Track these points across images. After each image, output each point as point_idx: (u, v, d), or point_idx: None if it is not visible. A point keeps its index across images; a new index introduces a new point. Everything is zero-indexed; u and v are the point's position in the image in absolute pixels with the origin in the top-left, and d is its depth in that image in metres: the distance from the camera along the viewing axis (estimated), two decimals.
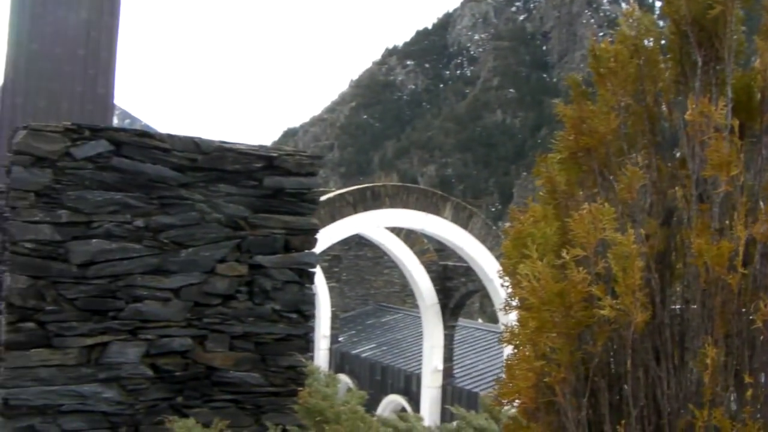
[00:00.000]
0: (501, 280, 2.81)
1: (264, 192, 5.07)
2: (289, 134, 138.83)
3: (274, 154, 5.09)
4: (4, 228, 4.90)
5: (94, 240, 4.70)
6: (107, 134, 4.73)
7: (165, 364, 4.91)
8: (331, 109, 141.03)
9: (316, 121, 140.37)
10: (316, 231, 5.24)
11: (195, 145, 4.91)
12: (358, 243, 31.30)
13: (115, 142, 4.74)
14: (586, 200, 2.87)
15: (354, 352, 29.28)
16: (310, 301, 5.27)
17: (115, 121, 40.12)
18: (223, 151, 4.96)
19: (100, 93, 33.91)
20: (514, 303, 2.73)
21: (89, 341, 4.76)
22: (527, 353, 2.60)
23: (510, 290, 2.74)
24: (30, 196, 4.63)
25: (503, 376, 2.74)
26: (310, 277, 5.25)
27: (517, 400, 2.72)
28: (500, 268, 2.87)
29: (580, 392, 2.73)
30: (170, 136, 4.88)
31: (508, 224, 2.86)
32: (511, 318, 2.80)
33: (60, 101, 33.46)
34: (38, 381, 4.65)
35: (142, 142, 4.79)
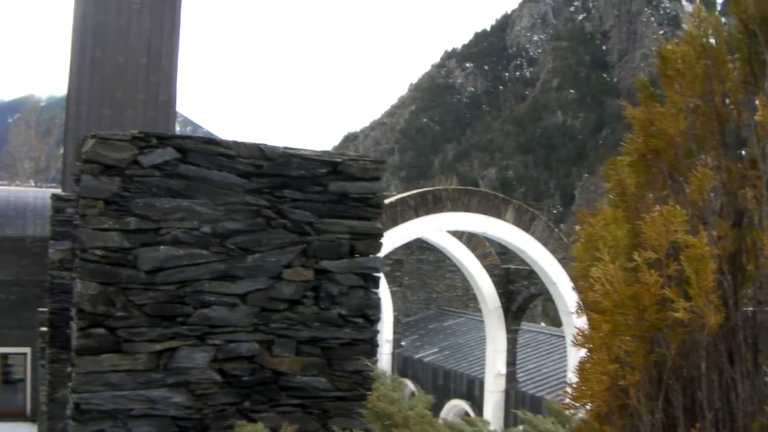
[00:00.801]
0: (571, 283, 2.79)
1: (329, 197, 5.09)
2: (350, 138, 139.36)
3: (339, 160, 5.11)
4: (74, 235, 4.98)
5: (162, 246, 4.76)
6: (174, 142, 4.79)
7: (232, 368, 4.95)
8: (391, 113, 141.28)
9: (376, 125, 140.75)
10: (381, 235, 5.25)
11: (260, 151, 4.94)
12: (419, 247, 31.32)
13: (181, 150, 4.80)
14: (657, 203, 2.84)
15: (417, 356, 29.28)
16: (375, 305, 5.28)
17: (177, 128, 40.65)
18: (288, 157, 4.99)
19: (163, 100, 34.40)
20: (584, 306, 2.71)
21: (158, 347, 4.81)
22: (601, 356, 2.57)
23: (581, 293, 2.72)
24: (99, 204, 4.70)
25: (568, 379, 2.72)
26: (376, 281, 5.26)
27: (589, 404, 2.70)
28: (569, 271, 2.85)
29: (653, 395, 2.70)
30: (235, 143, 4.92)
31: (578, 227, 2.84)
32: (579, 321, 2.78)
33: (123, 109, 34.03)
34: (108, 386, 4.72)
35: (208, 150, 4.84)
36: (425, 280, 34.87)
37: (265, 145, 4.98)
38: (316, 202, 5.06)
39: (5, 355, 36.22)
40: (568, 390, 2.72)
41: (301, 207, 5.03)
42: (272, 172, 4.96)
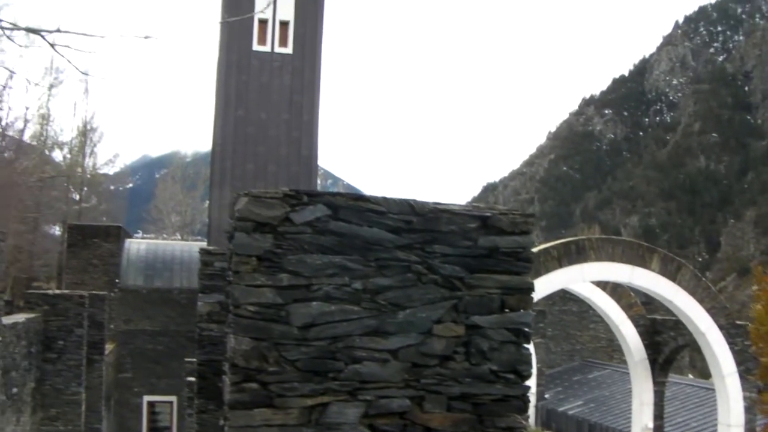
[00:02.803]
0: (752, 345, 2.66)
1: (479, 252, 5.05)
2: (489, 189, 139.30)
3: (488, 214, 5.07)
4: (228, 291, 5.07)
5: (314, 302, 4.79)
6: (324, 199, 4.84)
7: (383, 424, 4.92)
8: (530, 163, 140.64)
9: (515, 175, 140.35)
10: (531, 290, 5.17)
11: (410, 207, 4.95)
12: (562, 297, 30.91)
13: (332, 207, 4.85)
14: None
15: (560, 409, 28.76)
16: (527, 361, 5.19)
17: (318, 181, 41.37)
18: (437, 213, 4.98)
19: (304, 155, 35.10)
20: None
21: (310, 402, 4.83)
22: None
23: (765, 357, 2.59)
24: (252, 261, 4.78)
25: None
26: (527, 336, 5.17)
27: None
28: (718, 321, 2.71)
29: None
30: (385, 199, 4.94)
31: (755, 287, 2.71)
32: (734, 381, 2.64)
33: (266, 164, 34.87)
34: None
35: (358, 206, 4.87)
36: (568, 331, 34.34)
37: (415, 200, 4.99)
38: (466, 256, 5.02)
39: (153, 404, 37.30)
40: None
41: (451, 262, 5.00)
42: (422, 228, 4.95)
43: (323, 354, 4.83)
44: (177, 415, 35.96)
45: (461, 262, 5.02)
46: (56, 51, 4.98)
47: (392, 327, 4.89)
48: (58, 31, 4.70)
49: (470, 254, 5.04)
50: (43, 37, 4.84)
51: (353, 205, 4.87)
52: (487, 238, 5.07)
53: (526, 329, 5.17)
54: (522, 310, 5.14)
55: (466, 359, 5.03)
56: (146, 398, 37.09)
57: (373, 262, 4.88)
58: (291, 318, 4.78)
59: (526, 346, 5.17)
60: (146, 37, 5.12)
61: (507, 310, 5.11)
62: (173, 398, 35.87)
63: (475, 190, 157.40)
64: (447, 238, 5.00)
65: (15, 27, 5.06)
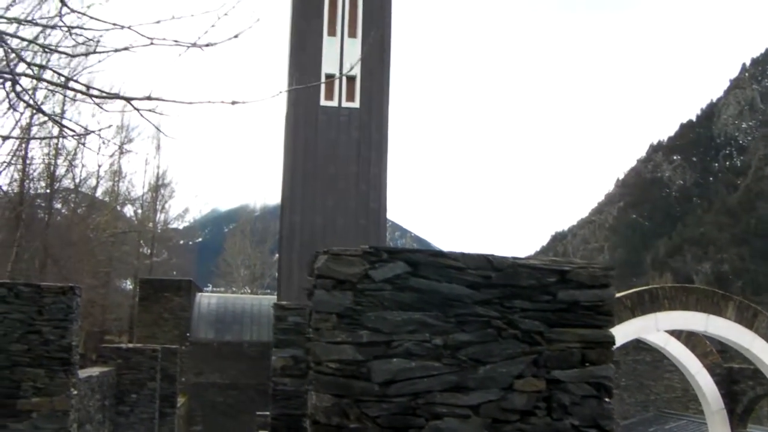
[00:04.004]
0: None
1: (558, 306, 5.03)
2: (558, 238, 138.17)
3: (567, 268, 5.06)
4: (308, 348, 5.12)
5: (394, 359, 4.81)
6: (404, 256, 4.88)
7: None
8: (599, 211, 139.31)
9: (584, 224, 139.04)
10: (612, 343, 5.13)
11: (488, 262, 4.96)
12: (635, 347, 30.46)
13: (411, 263, 4.88)
14: None
15: None
16: (608, 415, 5.12)
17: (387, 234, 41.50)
18: (516, 267, 4.98)
19: (373, 208, 35.23)
20: None
21: None
22: None
23: None
24: (332, 318, 4.82)
25: None
26: (609, 390, 5.11)
27: None
28: None
29: None
30: (463, 255, 4.96)
31: None
32: None
33: (335, 217, 35.08)
34: None
35: (437, 262, 4.90)
36: (642, 381, 33.75)
37: (493, 255, 5.00)
38: (545, 311, 5.01)
39: None
40: None
41: (530, 317, 4.99)
42: (501, 283, 4.96)
43: (404, 410, 4.83)
44: None
45: (541, 317, 5.01)
46: (143, 116, 5.14)
47: (473, 382, 4.89)
48: (149, 98, 4.84)
49: (550, 308, 5.02)
50: (132, 104, 4.99)
51: (432, 261, 4.90)
52: (567, 292, 5.05)
53: (608, 383, 5.12)
54: (603, 364, 5.10)
55: (547, 414, 4.99)
56: None
57: (453, 317, 4.89)
58: (372, 374, 4.81)
59: (607, 400, 5.12)
60: (233, 103, 5.22)
61: (588, 364, 5.07)
62: None
63: (544, 240, 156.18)
64: (526, 292, 5.00)
65: (109, 95, 5.23)
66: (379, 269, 4.85)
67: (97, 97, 5.50)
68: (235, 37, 5.22)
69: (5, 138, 24.34)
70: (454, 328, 4.89)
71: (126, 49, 5.08)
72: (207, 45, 5.18)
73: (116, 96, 5.11)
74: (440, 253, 4.94)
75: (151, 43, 5.03)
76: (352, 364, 4.81)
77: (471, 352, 4.90)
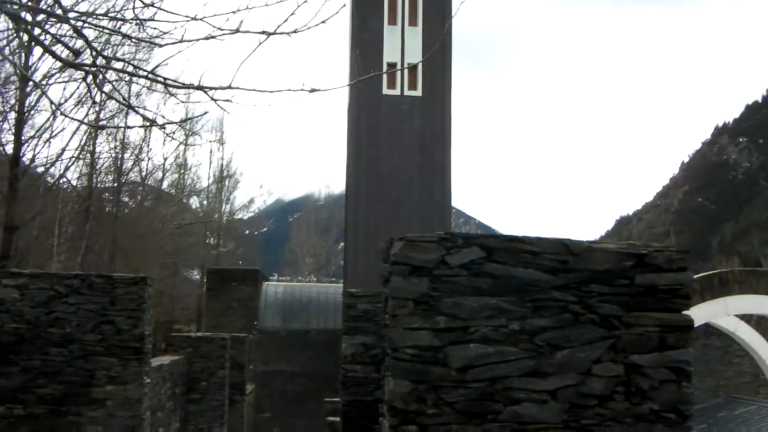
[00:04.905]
0: None
1: (636, 290, 4.99)
2: (623, 223, 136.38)
3: (644, 252, 5.02)
4: (385, 335, 5.14)
5: (471, 344, 4.83)
6: (479, 241, 4.89)
7: None
8: (664, 194, 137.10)
9: (649, 208, 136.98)
10: (691, 327, 5.08)
11: (564, 246, 4.94)
12: (704, 332, 30.03)
13: (487, 249, 4.88)
14: None
15: None
16: (688, 400, 5.08)
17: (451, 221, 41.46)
18: (592, 252, 4.96)
19: (437, 194, 35.19)
20: None
21: None
22: None
23: None
24: (409, 304, 4.84)
25: None
26: (688, 375, 5.07)
27: None
28: None
29: None
30: (539, 239, 4.95)
31: None
32: None
33: (399, 204, 35.07)
34: None
35: (513, 247, 4.90)
36: (712, 367, 33.26)
37: (570, 240, 4.98)
38: (623, 295, 4.98)
39: None
40: None
41: (608, 301, 4.96)
42: (578, 267, 4.94)
43: (481, 396, 4.84)
44: None
45: (618, 301, 4.98)
46: (219, 106, 5.20)
47: (550, 368, 4.88)
48: (230, 87, 4.90)
49: (627, 292, 4.99)
50: (207, 93, 5.05)
51: (508, 246, 4.90)
52: (644, 276, 5.01)
53: (687, 367, 5.07)
54: (682, 348, 5.05)
55: (626, 399, 4.97)
56: None
57: (530, 302, 4.89)
58: (449, 360, 4.83)
59: (687, 384, 5.07)
60: (312, 90, 5.26)
61: (666, 349, 5.03)
62: None
63: (608, 224, 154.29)
64: (603, 276, 4.97)
65: (189, 86, 5.28)
66: (455, 255, 4.86)
67: (177, 87, 5.57)
68: (323, 22, 5.26)
69: (98, 127, 24.58)
70: (531, 314, 4.89)
71: (213, 37, 5.14)
72: (294, 32, 5.21)
73: (197, 87, 5.16)
74: (515, 238, 4.93)
75: (237, 31, 5.09)
76: (429, 350, 4.83)
77: (548, 337, 4.89)
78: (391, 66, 33.98)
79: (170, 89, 6.13)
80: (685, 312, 5.09)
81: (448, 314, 4.84)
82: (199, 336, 26.25)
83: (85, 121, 26.68)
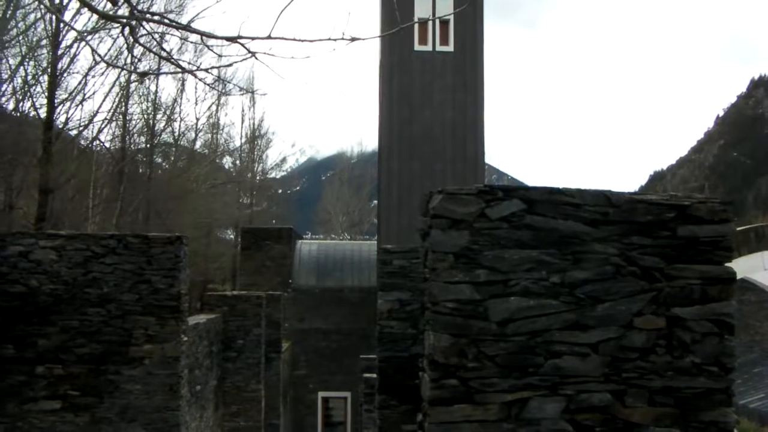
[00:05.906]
0: None
1: (678, 242, 4.94)
2: (656, 178, 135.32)
3: (687, 203, 4.96)
4: (425, 289, 5.13)
5: (512, 298, 4.81)
6: (519, 194, 4.85)
7: (584, 419, 4.88)
8: (699, 149, 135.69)
9: (683, 163, 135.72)
10: (734, 280, 5.03)
11: (606, 198, 4.89)
12: (739, 287, 29.88)
13: (527, 201, 4.84)
14: None
15: (741, 402, 27.76)
16: (730, 353, 5.04)
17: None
18: (634, 203, 4.90)
19: (470, 151, 35.06)
20: None
21: (509, 397, 4.84)
22: None
23: None
24: (449, 258, 4.82)
25: None
26: (730, 328, 5.02)
27: None
28: None
29: None
30: (580, 191, 4.90)
31: None
32: None
33: (432, 162, 34.99)
34: None
35: (554, 199, 4.85)
36: (747, 322, 33.08)
37: (611, 192, 4.92)
38: (665, 247, 4.93)
39: (327, 399, 38.07)
40: None
41: (649, 253, 4.91)
42: (619, 219, 4.89)
43: (522, 349, 4.83)
44: (351, 410, 36.62)
45: (660, 253, 4.93)
46: (257, 59, 5.16)
47: (591, 321, 4.86)
48: (269, 37, 4.85)
49: (669, 245, 4.94)
50: (244, 46, 5.02)
51: (548, 198, 4.85)
52: (686, 228, 4.96)
53: (729, 320, 5.03)
54: (724, 301, 5.00)
55: (667, 352, 4.94)
56: (321, 394, 37.90)
57: (570, 255, 4.85)
58: (489, 314, 4.81)
59: (729, 337, 5.03)
60: (352, 39, 5.20)
61: (709, 301, 4.98)
62: (347, 394, 36.53)
63: (642, 179, 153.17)
64: (645, 228, 4.92)
65: (228, 38, 5.22)
66: (495, 208, 4.83)
67: (214, 38, 5.53)
68: None
69: (141, 74, 24.63)
70: (572, 266, 4.85)
71: None
72: None
73: (234, 38, 5.11)
74: (556, 190, 4.89)
75: None
76: (469, 303, 4.82)
77: (589, 290, 4.86)
78: (424, 22, 33.70)
79: (206, 42, 6.10)
80: (727, 264, 5.04)
81: (489, 267, 4.81)
82: (234, 294, 26.41)
83: (122, 75, 26.75)
